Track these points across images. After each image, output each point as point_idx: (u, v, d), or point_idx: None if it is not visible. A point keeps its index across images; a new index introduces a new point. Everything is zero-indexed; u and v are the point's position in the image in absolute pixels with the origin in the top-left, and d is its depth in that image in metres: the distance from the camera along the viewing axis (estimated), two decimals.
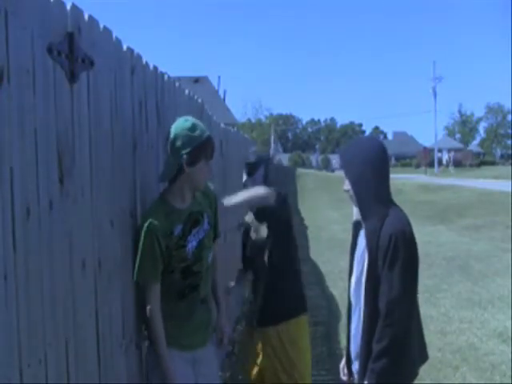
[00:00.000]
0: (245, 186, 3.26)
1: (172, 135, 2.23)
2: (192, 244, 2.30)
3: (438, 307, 6.62)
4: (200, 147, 2.23)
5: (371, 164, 2.12)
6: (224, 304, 2.74)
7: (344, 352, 2.48)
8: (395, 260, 2.00)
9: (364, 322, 2.08)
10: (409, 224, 2.11)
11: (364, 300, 2.08)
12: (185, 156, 2.20)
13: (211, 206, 2.49)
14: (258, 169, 3.22)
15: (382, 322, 2.00)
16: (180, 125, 2.25)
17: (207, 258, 2.40)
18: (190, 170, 2.22)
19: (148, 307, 2.22)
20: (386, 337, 1.98)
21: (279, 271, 3.06)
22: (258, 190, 3.04)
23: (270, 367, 3.00)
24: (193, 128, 2.23)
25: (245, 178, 3.27)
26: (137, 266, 2.16)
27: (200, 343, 2.42)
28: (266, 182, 3.21)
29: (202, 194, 2.44)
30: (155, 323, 2.23)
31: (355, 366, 2.22)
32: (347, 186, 2.20)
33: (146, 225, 2.16)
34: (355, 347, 2.21)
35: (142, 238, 2.16)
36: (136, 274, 2.17)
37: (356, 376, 2.23)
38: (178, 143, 2.20)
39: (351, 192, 2.18)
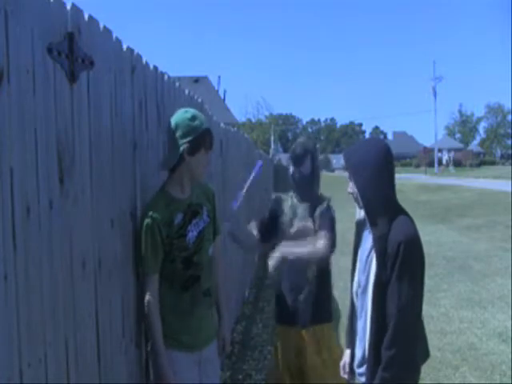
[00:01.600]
0: (292, 178, 3.13)
1: (172, 125, 2.28)
2: (192, 234, 2.34)
3: (437, 307, 6.62)
4: (200, 137, 2.27)
5: (379, 168, 2.10)
6: (227, 312, 2.71)
7: (343, 351, 2.48)
8: (404, 267, 1.98)
9: (371, 327, 2.06)
10: (415, 228, 2.09)
11: (371, 305, 2.06)
12: (185, 145, 2.24)
13: (210, 201, 2.52)
14: (304, 160, 3.08)
15: (391, 329, 1.98)
16: (180, 115, 2.30)
17: (207, 249, 2.42)
18: (189, 159, 2.27)
19: (146, 297, 2.24)
20: (396, 344, 1.98)
21: (327, 266, 3.07)
22: (318, 249, 2.89)
23: (317, 364, 2.98)
24: (193, 118, 2.28)
25: (292, 169, 3.14)
26: (139, 255, 2.22)
27: (205, 342, 2.44)
28: (313, 173, 3.10)
29: (200, 189, 2.47)
30: (152, 313, 2.24)
31: (361, 368, 2.21)
32: (352, 188, 2.18)
33: (145, 215, 2.23)
34: (362, 350, 2.20)
35: (142, 228, 2.22)
36: (140, 263, 2.23)
37: (360, 378, 2.22)
38: (179, 133, 2.25)
39: (356, 194, 2.16)
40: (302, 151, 3.09)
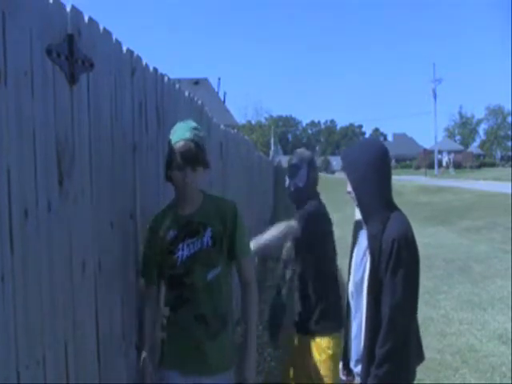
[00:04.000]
0: (288, 189, 3.11)
1: None
2: (183, 253, 2.19)
3: (437, 309, 6.62)
4: (170, 152, 2.19)
5: (373, 167, 2.11)
6: (254, 343, 2.32)
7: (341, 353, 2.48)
8: (398, 265, 1.99)
9: (366, 326, 2.07)
10: (410, 227, 2.10)
11: (366, 304, 2.07)
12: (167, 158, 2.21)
13: (225, 222, 2.23)
14: (299, 170, 3.04)
15: (384, 327, 1.99)
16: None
17: (204, 273, 2.18)
18: (170, 173, 2.19)
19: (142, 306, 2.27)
20: (389, 342, 1.98)
21: (310, 284, 3.01)
22: (274, 232, 2.95)
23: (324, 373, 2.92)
24: (173, 132, 2.23)
25: (287, 181, 3.11)
26: None
27: (203, 370, 2.21)
28: (309, 182, 3.06)
29: (213, 207, 2.26)
30: (144, 323, 2.25)
31: (357, 368, 2.22)
32: (350, 188, 2.19)
33: (148, 224, 2.27)
34: (357, 349, 2.20)
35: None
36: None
37: (358, 377, 2.23)
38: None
39: (353, 194, 2.17)
40: (297, 162, 3.06)
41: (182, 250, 2.19)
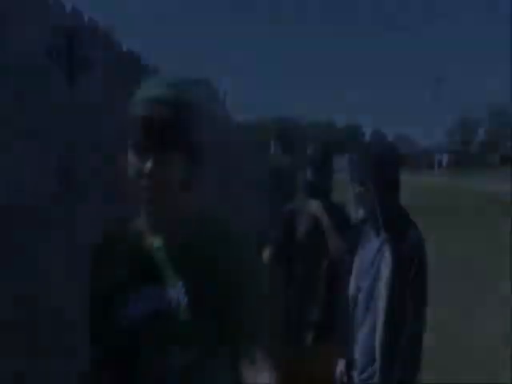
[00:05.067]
0: (312, 184, 2.62)
1: None
2: (136, 309, 1.16)
3: (438, 309, 6.62)
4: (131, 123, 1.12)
5: (392, 170, 2.13)
6: None
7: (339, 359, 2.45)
8: (420, 270, 2.00)
9: (385, 328, 2.06)
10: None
11: (384, 309, 2.06)
12: None
13: (223, 275, 1.16)
14: (327, 162, 2.57)
15: (407, 331, 1.99)
16: None
17: (166, 355, 1.14)
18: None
19: None
20: (416, 343, 2.00)
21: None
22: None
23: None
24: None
25: (310, 175, 2.60)
26: None
27: None
28: (331, 178, 2.71)
29: (207, 238, 1.19)
30: None
31: (365, 373, 2.20)
32: (356, 189, 2.18)
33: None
34: (365, 355, 2.18)
35: None
36: None
37: (364, 383, 2.21)
38: None
39: (362, 195, 2.16)
40: (325, 153, 2.79)
41: (136, 303, 1.17)
